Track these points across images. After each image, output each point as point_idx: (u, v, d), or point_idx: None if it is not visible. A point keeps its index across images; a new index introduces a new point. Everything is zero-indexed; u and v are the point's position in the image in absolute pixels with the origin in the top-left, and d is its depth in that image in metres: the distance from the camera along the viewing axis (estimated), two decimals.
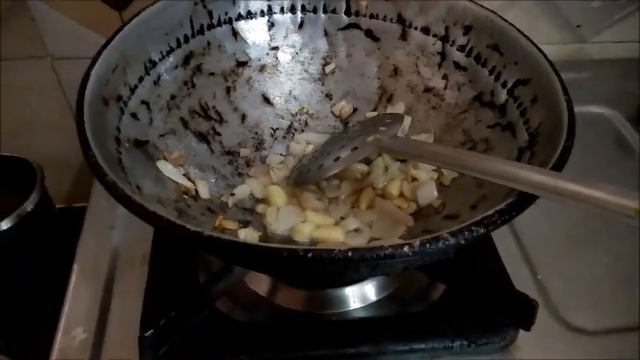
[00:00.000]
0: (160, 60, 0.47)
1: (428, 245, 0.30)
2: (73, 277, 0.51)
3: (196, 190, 0.46)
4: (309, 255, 0.30)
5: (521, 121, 0.45)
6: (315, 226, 0.47)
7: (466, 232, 0.31)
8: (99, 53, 0.41)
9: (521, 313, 0.45)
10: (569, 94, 0.41)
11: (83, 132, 0.36)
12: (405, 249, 0.30)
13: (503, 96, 0.47)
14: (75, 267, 0.52)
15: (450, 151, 0.41)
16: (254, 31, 0.54)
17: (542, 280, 0.53)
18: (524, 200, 0.34)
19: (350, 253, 0.30)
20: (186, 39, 0.49)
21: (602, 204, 0.30)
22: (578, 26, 0.73)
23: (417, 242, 0.30)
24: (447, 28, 0.51)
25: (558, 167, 0.36)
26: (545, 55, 0.44)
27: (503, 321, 0.47)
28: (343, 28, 0.55)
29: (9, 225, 0.58)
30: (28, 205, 0.60)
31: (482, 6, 0.49)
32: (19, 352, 0.59)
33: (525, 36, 0.46)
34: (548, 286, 0.52)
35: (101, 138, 0.38)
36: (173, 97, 0.49)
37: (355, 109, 0.56)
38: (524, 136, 0.44)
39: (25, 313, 0.65)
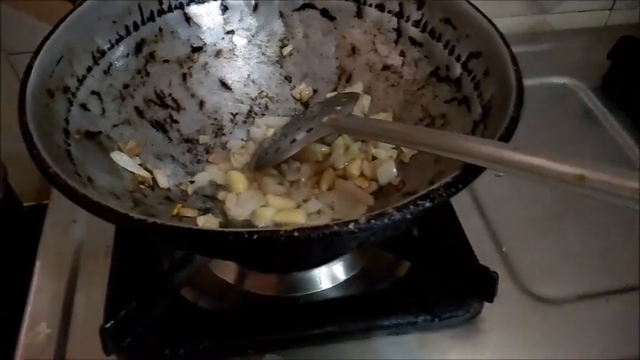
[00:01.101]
0: (110, 49, 0.46)
1: (373, 221, 0.30)
2: (36, 273, 0.50)
3: (153, 180, 0.46)
4: (254, 237, 0.29)
5: (475, 94, 0.45)
6: (276, 210, 0.47)
7: (411, 207, 0.31)
8: (41, 45, 0.40)
9: (482, 285, 0.46)
10: (517, 65, 0.41)
11: (25, 126, 0.35)
12: (351, 226, 0.30)
13: (457, 70, 0.47)
14: (37, 263, 0.51)
15: (402, 127, 0.41)
16: (207, 16, 0.53)
17: (506, 252, 0.54)
18: (470, 172, 0.34)
19: (296, 233, 0.30)
20: (136, 26, 0.48)
21: (543, 172, 0.30)
22: None
23: (362, 219, 0.30)
24: (400, 4, 0.51)
25: (505, 138, 0.36)
26: (495, 27, 0.44)
27: (466, 294, 0.47)
28: (298, 9, 0.54)
29: None
30: None
31: None
32: None
33: (476, 8, 0.46)
34: (513, 258, 0.53)
35: (46, 130, 0.37)
36: (126, 87, 0.48)
37: (315, 91, 0.56)
38: (478, 109, 0.44)
39: None
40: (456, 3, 0.47)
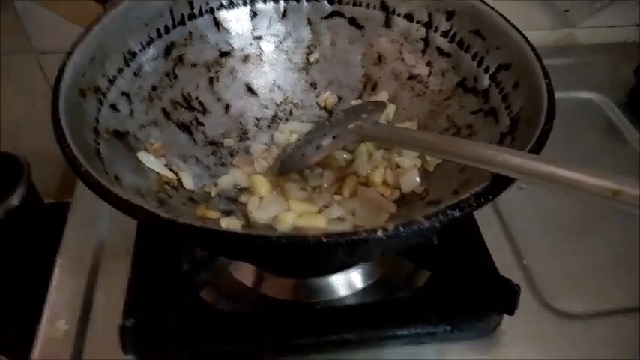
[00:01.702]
0: (140, 51, 0.47)
1: (402, 229, 0.30)
2: (57, 270, 0.51)
3: (178, 181, 0.46)
4: (283, 241, 0.30)
5: (504, 106, 0.45)
6: (297, 214, 0.47)
7: (441, 216, 0.31)
8: (75, 45, 0.41)
9: (504, 297, 0.46)
10: (549, 77, 0.40)
11: (58, 123, 0.35)
12: (379, 233, 0.30)
13: (485, 81, 0.47)
14: (58, 259, 0.52)
15: (430, 136, 0.41)
16: (236, 21, 0.53)
17: (528, 265, 0.53)
18: (500, 183, 0.33)
19: (324, 239, 0.30)
20: (167, 30, 0.49)
21: (579, 185, 0.30)
22: (566, 11, 0.73)
23: (391, 226, 0.30)
24: (430, 15, 0.51)
25: (536, 150, 0.35)
26: (526, 39, 0.44)
27: (486, 306, 0.47)
28: (327, 17, 0.55)
29: None
30: (14, 200, 0.60)
31: None
32: (4, 344, 0.59)
33: (507, 20, 0.46)
34: (534, 271, 0.52)
35: (78, 129, 0.38)
36: (154, 88, 0.48)
37: (340, 98, 0.56)
38: (506, 121, 0.44)
39: (10, 305, 0.65)
40: (486, 15, 0.47)
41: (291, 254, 0.32)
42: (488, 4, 0.48)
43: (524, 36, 0.44)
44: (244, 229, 0.45)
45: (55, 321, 0.47)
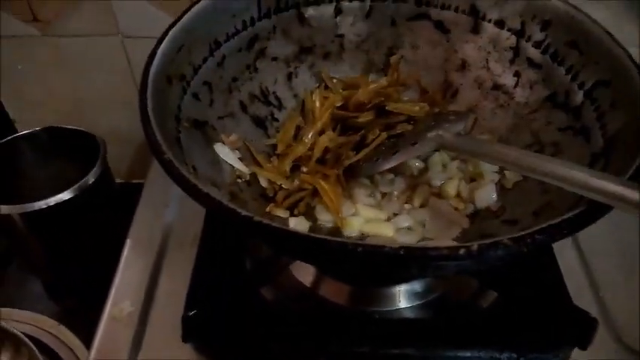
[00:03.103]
0: (225, 42, 0.47)
1: (486, 250, 0.29)
2: (125, 252, 0.52)
3: (251, 175, 0.46)
4: (359, 249, 0.29)
5: (598, 125, 0.42)
6: (365, 220, 0.46)
7: (529, 240, 0.29)
8: (166, 32, 0.41)
9: (578, 330, 0.43)
10: None
11: (145, 109, 0.36)
12: (462, 252, 0.28)
13: (579, 97, 0.44)
14: (128, 242, 0.53)
15: (517, 152, 0.38)
16: (321, 18, 0.53)
17: (604, 298, 0.50)
18: (595, 211, 0.31)
19: (402, 251, 0.28)
20: (252, 22, 0.49)
21: None
22: None
23: (474, 246, 0.29)
24: (523, 23, 0.48)
25: (635, 178, 0.33)
26: (630, 57, 0.41)
27: (557, 337, 0.44)
28: (412, 19, 0.53)
29: (70, 196, 0.60)
30: (90, 178, 0.62)
31: (563, 0, 0.46)
32: (70, 319, 0.61)
33: (609, 34, 0.43)
34: (610, 304, 0.49)
35: (162, 116, 0.38)
36: (235, 80, 0.49)
37: None
38: (599, 141, 0.41)
39: (79, 282, 0.68)
40: (586, 26, 0.44)
41: (364, 263, 0.31)
42: (588, 16, 0.45)
43: (627, 52, 0.41)
44: (311, 229, 0.45)
45: (120, 302, 0.48)
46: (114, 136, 0.70)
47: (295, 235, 0.30)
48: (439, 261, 0.29)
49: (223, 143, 0.45)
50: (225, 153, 0.45)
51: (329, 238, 0.29)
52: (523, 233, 0.29)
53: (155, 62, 0.39)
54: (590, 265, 0.52)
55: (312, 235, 0.29)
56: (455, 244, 0.40)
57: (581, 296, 0.48)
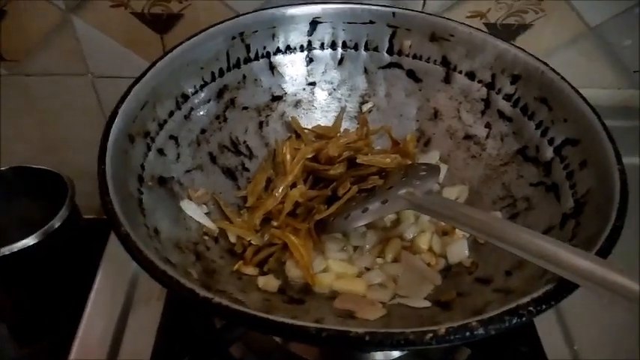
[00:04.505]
0: (193, 94, 0.46)
1: (454, 335, 0.28)
2: (88, 307, 0.50)
3: (219, 232, 0.45)
4: (323, 334, 0.28)
5: (568, 184, 0.42)
6: (336, 275, 0.45)
7: (497, 323, 0.29)
8: (129, 90, 0.40)
9: None
10: (623, 164, 0.37)
11: (103, 177, 0.35)
12: (428, 337, 0.28)
13: (549, 153, 0.44)
14: (91, 297, 0.51)
15: (486, 218, 0.38)
16: (292, 66, 0.52)
17: (578, 350, 0.49)
18: (565, 287, 0.30)
19: (367, 337, 0.27)
20: (221, 72, 0.48)
21: None
22: (635, 72, 0.69)
23: (442, 330, 0.28)
24: (493, 76, 0.48)
25: (607, 250, 0.32)
26: (599, 117, 0.41)
27: None
28: (384, 67, 0.53)
29: (36, 240, 0.58)
30: (56, 222, 0.60)
31: (533, 56, 0.46)
32: None
33: (578, 93, 0.43)
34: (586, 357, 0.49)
35: (123, 179, 0.37)
36: (203, 132, 0.48)
37: None
38: (569, 201, 0.41)
39: (45, 329, 0.65)
40: (555, 84, 0.44)
41: (329, 346, 0.30)
42: (558, 73, 0.45)
43: (596, 113, 0.41)
44: (281, 287, 0.43)
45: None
46: (84, 172, 0.68)
47: (256, 318, 0.28)
48: (406, 346, 0.28)
49: (190, 199, 0.44)
50: (193, 209, 0.44)
51: (290, 322, 0.28)
52: (491, 315, 0.29)
53: (116, 123, 0.38)
54: (565, 316, 0.51)
55: (274, 318, 0.28)
56: (429, 305, 0.39)
57: (556, 348, 0.48)
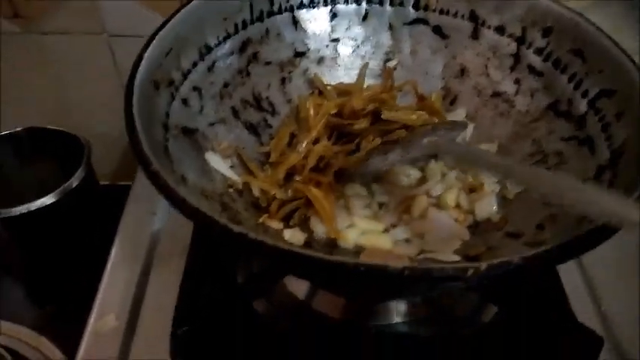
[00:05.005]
0: (216, 46, 0.45)
1: (495, 270, 0.27)
2: (110, 263, 0.50)
3: (243, 185, 0.44)
4: (361, 269, 0.27)
5: (603, 136, 0.40)
6: (361, 231, 0.44)
7: (537, 259, 0.28)
8: (153, 36, 0.39)
9: (583, 348, 0.41)
10: None
11: (131, 117, 0.34)
12: (470, 273, 0.27)
13: (582, 107, 0.43)
14: (113, 251, 0.51)
15: (511, 163, 0.37)
16: (315, 21, 0.51)
17: (605, 312, 0.48)
18: (603, 232, 0.29)
19: (406, 272, 0.27)
20: (245, 25, 0.47)
21: None
22: None
23: (484, 266, 0.27)
24: (524, 29, 0.47)
25: None
26: (637, 66, 0.39)
27: (561, 354, 0.43)
28: (410, 23, 0.51)
29: (53, 200, 0.58)
30: (74, 182, 0.60)
31: (566, 7, 0.45)
32: (52, 330, 0.59)
33: (615, 43, 0.41)
34: (612, 319, 0.48)
35: (149, 124, 0.36)
36: (226, 85, 0.47)
37: None
38: (605, 153, 0.39)
39: (61, 290, 0.65)
40: (591, 35, 0.42)
41: (365, 283, 0.29)
42: (593, 23, 0.43)
43: (633, 61, 0.40)
44: (307, 241, 0.43)
45: (104, 316, 0.46)
46: (98, 137, 0.68)
47: (291, 253, 0.28)
48: (445, 282, 0.27)
49: (214, 151, 0.43)
50: (216, 161, 0.43)
51: (327, 257, 0.27)
52: (534, 252, 0.28)
53: (141, 67, 0.37)
54: (593, 278, 0.51)
55: (310, 253, 0.27)
56: (458, 259, 0.39)
57: (583, 312, 0.47)
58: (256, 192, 0.44)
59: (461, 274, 0.27)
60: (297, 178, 0.46)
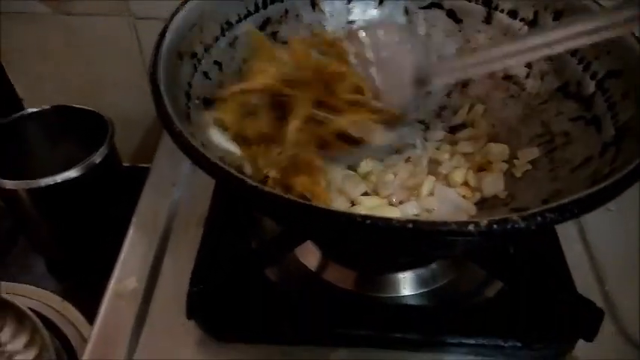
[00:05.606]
0: (237, 22, 0.47)
1: (495, 226, 0.29)
2: (131, 230, 0.52)
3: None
4: (367, 222, 0.28)
5: (609, 115, 0.42)
6: (370, 207, 0.46)
7: (538, 218, 0.29)
8: (178, 9, 0.41)
9: (584, 321, 0.42)
10: None
11: (156, 82, 0.36)
12: (471, 227, 0.28)
13: (591, 88, 0.44)
14: (133, 220, 0.53)
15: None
16: (333, 3, 0.53)
17: (609, 291, 0.49)
18: (605, 193, 0.31)
19: (410, 225, 0.28)
20: (265, 4, 0.49)
21: None
22: None
23: (484, 222, 0.29)
24: (536, 13, 0.48)
25: None
26: None
27: (563, 327, 0.44)
28: (425, 7, 0.53)
29: (77, 174, 0.60)
30: (97, 158, 0.62)
31: None
32: (74, 296, 0.61)
33: None
34: (616, 298, 0.49)
35: (173, 90, 0.38)
36: (245, 61, 0.48)
37: (429, 92, 0.54)
38: (610, 130, 0.41)
39: (84, 260, 0.68)
40: None
41: (371, 238, 0.31)
42: (600, 4, 0.44)
43: (639, 41, 0.41)
44: None
45: (124, 279, 0.48)
46: (121, 118, 0.70)
47: (302, 206, 0.29)
48: (448, 236, 0.28)
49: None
50: (218, 137, 0.44)
51: (336, 210, 0.29)
52: (532, 211, 0.29)
53: (167, 37, 0.39)
54: (598, 258, 0.52)
55: (321, 206, 0.29)
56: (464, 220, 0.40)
57: (586, 288, 0.48)
58: (248, 170, 0.44)
59: (463, 228, 0.28)
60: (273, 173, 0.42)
